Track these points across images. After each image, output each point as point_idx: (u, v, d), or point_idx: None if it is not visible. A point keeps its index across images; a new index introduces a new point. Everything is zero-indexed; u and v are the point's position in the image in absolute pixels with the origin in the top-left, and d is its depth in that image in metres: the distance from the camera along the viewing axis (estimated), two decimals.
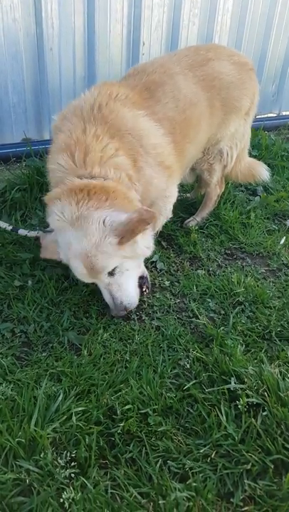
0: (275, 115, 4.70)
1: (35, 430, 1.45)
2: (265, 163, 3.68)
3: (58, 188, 1.91)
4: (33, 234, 2.33)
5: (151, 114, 2.16)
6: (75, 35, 3.29)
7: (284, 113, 4.75)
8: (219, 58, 2.53)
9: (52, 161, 2.02)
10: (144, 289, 2.17)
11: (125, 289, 2.01)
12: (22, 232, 2.38)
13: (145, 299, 2.30)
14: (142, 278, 2.15)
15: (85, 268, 1.88)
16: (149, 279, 2.22)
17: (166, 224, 2.79)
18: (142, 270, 2.16)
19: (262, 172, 3.02)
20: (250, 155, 3.67)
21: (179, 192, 3.26)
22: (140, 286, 2.15)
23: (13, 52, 3.12)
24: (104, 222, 1.82)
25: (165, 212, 2.45)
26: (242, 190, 3.43)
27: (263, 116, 4.62)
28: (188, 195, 3.27)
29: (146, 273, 2.20)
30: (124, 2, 3.36)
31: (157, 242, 2.75)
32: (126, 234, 1.81)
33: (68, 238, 1.87)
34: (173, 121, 2.26)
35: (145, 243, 2.04)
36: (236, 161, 2.85)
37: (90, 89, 2.17)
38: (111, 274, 1.95)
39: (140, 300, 2.29)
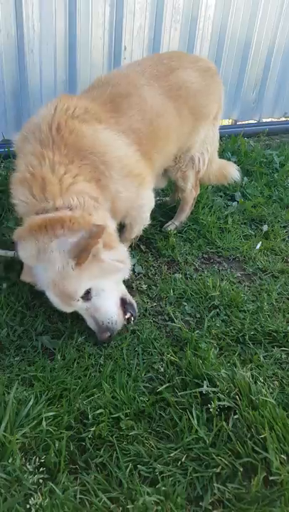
0: (255, 122, 4.78)
1: (4, 435, 1.44)
2: (244, 169, 3.77)
3: (20, 228, 1.94)
4: (10, 254, 2.29)
5: (113, 125, 2.13)
6: (56, 37, 3.28)
7: (264, 120, 4.83)
8: (183, 66, 2.55)
9: (14, 195, 2.00)
10: (127, 316, 2.08)
11: (104, 309, 1.96)
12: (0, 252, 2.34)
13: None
14: (125, 303, 2.08)
15: (57, 297, 1.88)
16: (135, 307, 2.14)
17: (145, 228, 2.81)
18: (122, 290, 2.11)
19: (233, 172, 3.08)
20: (229, 161, 3.74)
21: (158, 196, 3.31)
22: (124, 312, 2.07)
23: None
24: (62, 248, 1.82)
25: (141, 221, 2.46)
26: (220, 196, 3.47)
27: (243, 122, 4.69)
28: (166, 199, 3.30)
29: (129, 298, 2.13)
30: (106, 6, 3.38)
31: (136, 246, 2.77)
32: (80, 253, 1.79)
33: (37, 271, 1.91)
34: (139, 133, 2.25)
35: (116, 257, 2.00)
36: (208, 164, 2.89)
37: (46, 105, 2.12)
38: (86, 298, 1.93)
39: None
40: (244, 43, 4.26)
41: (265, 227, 3.14)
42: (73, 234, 1.84)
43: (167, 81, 2.45)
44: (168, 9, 3.68)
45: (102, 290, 1.96)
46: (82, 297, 1.90)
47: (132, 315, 2.09)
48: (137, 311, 2.15)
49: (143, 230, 2.64)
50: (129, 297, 2.12)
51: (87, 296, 1.92)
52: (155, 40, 3.75)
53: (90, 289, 1.92)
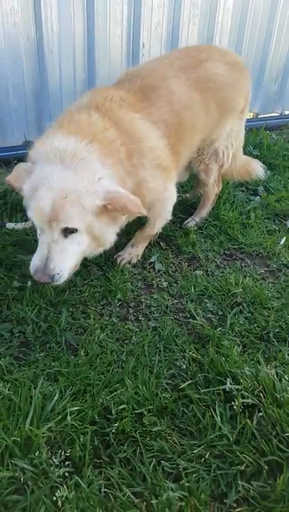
0: (277, 114, 4.69)
1: (31, 429, 1.48)
2: (267, 162, 3.71)
3: (57, 128, 1.87)
4: (20, 226, 2.31)
5: (147, 116, 2.16)
6: (75, 38, 3.31)
7: (286, 112, 4.73)
8: (212, 59, 2.53)
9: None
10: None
11: (65, 257, 1.80)
12: (9, 225, 2.36)
13: (143, 300, 2.31)
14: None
15: (51, 207, 1.69)
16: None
17: (164, 225, 2.81)
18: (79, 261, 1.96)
19: (257, 169, 3.03)
20: (252, 155, 3.69)
21: (179, 192, 3.29)
22: None
23: (13, 56, 3.15)
24: (99, 178, 1.75)
25: (164, 215, 2.46)
26: (242, 190, 3.43)
27: (265, 115, 4.61)
28: (187, 195, 3.28)
29: (76, 268, 1.97)
30: (124, 4, 3.38)
31: (156, 243, 2.77)
32: (115, 205, 1.73)
33: (50, 170, 1.73)
34: (168, 125, 2.26)
35: (111, 233, 1.96)
36: (232, 159, 2.86)
37: (85, 94, 2.18)
38: (64, 234, 1.77)
39: (138, 301, 2.31)
40: (265, 35, 4.18)
41: None
42: (115, 175, 1.80)
43: (195, 73, 2.44)
44: (186, 4, 3.65)
45: (78, 243, 1.83)
46: (65, 228, 1.76)
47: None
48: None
49: (163, 227, 2.64)
50: (77, 268, 1.99)
51: (67, 232, 1.78)
52: (173, 36, 3.73)
53: (76, 229, 1.78)
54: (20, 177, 1.83)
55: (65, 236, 1.78)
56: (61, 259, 1.79)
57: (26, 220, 2.63)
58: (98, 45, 3.42)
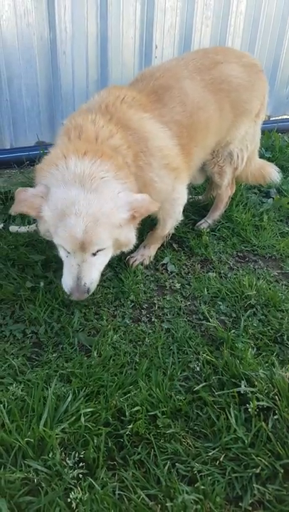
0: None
1: (44, 430, 1.47)
2: (279, 165, 3.66)
3: (59, 150, 1.84)
4: (23, 229, 2.31)
5: (157, 117, 2.16)
6: (88, 38, 3.32)
7: None
8: (228, 61, 2.52)
9: (53, 145, 2.04)
10: None
11: (94, 271, 1.85)
12: (12, 228, 2.37)
13: (155, 301, 2.30)
14: None
15: (84, 234, 1.70)
16: None
17: (177, 226, 2.78)
18: None
19: (272, 173, 3.00)
20: (264, 157, 3.66)
21: (191, 194, 3.28)
22: None
23: (27, 56, 3.16)
24: (118, 193, 1.79)
25: (174, 215, 2.45)
26: (255, 193, 3.41)
27: (276, 118, 4.59)
28: (200, 197, 3.27)
29: None
30: (137, 5, 3.38)
31: (168, 245, 2.75)
32: (140, 211, 1.79)
33: (75, 195, 1.72)
34: (180, 125, 2.26)
35: (133, 233, 1.99)
36: (247, 162, 2.84)
37: (98, 92, 2.19)
38: (94, 253, 1.82)
39: (151, 302, 2.30)
40: (277, 38, 4.16)
41: None
42: (126, 182, 1.83)
43: (210, 74, 2.43)
44: (199, 6, 3.64)
45: (106, 255, 1.89)
46: (97, 250, 1.81)
47: None
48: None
49: (175, 229, 2.63)
50: None
51: (96, 252, 1.82)
52: (186, 38, 3.72)
53: (105, 248, 1.84)
54: (36, 203, 1.80)
55: (94, 254, 1.83)
56: (91, 274, 1.85)
57: (30, 222, 2.63)
58: (111, 46, 3.43)
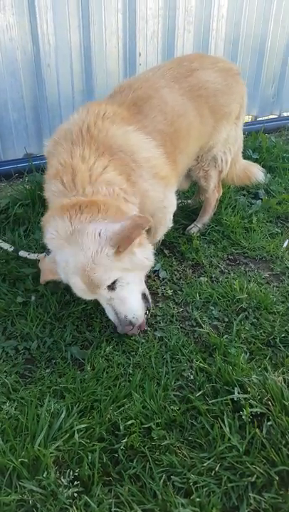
0: (275, 116, 4.69)
1: (39, 449, 1.47)
2: (266, 165, 3.70)
3: (51, 210, 1.93)
4: (33, 256, 2.34)
5: (141, 128, 2.16)
6: (72, 49, 3.34)
7: (284, 114, 4.73)
8: (203, 67, 2.54)
9: (46, 189, 2.04)
10: (146, 311, 2.10)
11: (129, 302, 1.95)
12: (22, 253, 2.40)
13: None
14: (144, 297, 2.08)
15: (84, 283, 1.83)
16: (150, 300, 2.14)
17: (167, 232, 2.80)
18: (144, 286, 2.11)
19: (257, 173, 3.03)
20: (251, 158, 3.68)
21: (180, 199, 3.29)
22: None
23: (11, 70, 3.18)
24: (99, 233, 1.80)
25: (165, 223, 2.46)
26: (243, 194, 3.42)
27: (263, 118, 4.61)
28: (189, 201, 3.28)
29: (147, 293, 2.13)
30: (119, 15, 3.40)
31: (159, 251, 2.76)
32: (122, 242, 1.79)
33: (65, 255, 1.85)
34: (163, 134, 2.27)
35: (144, 254, 2.01)
36: (231, 165, 2.86)
37: (77, 110, 2.18)
38: (111, 288, 1.90)
39: None
40: (260, 39, 4.19)
41: None
42: (111, 221, 1.84)
43: (187, 82, 2.45)
44: (180, 12, 3.67)
45: (128, 283, 1.95)
46: (108, 286, 1.88)
47: (147, 308, 2.12)
48: (150, 302, 2.15)
49: (165, 234, 2.63)
50: (147, 292, 2.13)
51: (112, 285, 1.89)
52: (169, 44, 3.75)
53: (116, 279, 1.90)
54: (52, 269, 1.97)
55: (114, 289, 1.91)
56: (128, 306, 1.96)
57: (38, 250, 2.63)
58: (95, 56, 3.45)
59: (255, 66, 4.31)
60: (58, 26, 3.18)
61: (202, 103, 2.48)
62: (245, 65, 4.25)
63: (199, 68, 2.52)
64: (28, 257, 2.39)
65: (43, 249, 2.18)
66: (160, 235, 2.55)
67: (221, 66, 2.62)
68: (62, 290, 2.30)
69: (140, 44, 3.61)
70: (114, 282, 1.90)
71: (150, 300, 2.14)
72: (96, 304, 2.15)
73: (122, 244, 1.80)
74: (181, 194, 3.35)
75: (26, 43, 3.15)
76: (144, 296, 2.07)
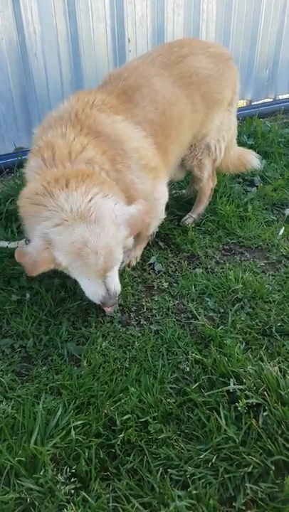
0: (271, 100, 4.61)
1: (36, 448, 1.48)
2: (262, 151, 3.66)
3: (36, 183, 1.81)
4: (13, 245, 2.30)
5: (130, 118, 2.14)
6: (59, 38, 3.26)
7: (280, 97, 4.66)
8: (194, 53, 2.49)
9: (26, 165, 2.03)
10: None
11: (116, 278, 1.92)
12: (2, 244, 2.37)
13: (144, 303, 2.31)
14: None
15: (104, 265, 1.76)
16: None
17: (162, 223, 2.78)
18: None
19: (252, 160, 3.00)
20: (246, 144, 3.64)
21: (175, 189, 3.26)
22: None
23: None
24: (116, 215, 1.81)
25: (157, 215, 2.44)
26: (238, 182, 3.39)
27: (258, 102, 4.54)
28: (183, 191, 3.25)
29: None
30: (106, 0, 3.31)
31: (154, 243, 2.75)
32: (135, 226, 1.85)
33: (80, 234, 1.72)
34: (154, 124, 2.24)
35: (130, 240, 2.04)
36: (225, 152, 2.82)
37: (68, 99, 2.16)
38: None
39: (139, 304, 2.31)
40: (252, 20, 4.09)
41: (287, 211, 3.06)
42: (116, 197, 1.86)
43: (177, 69, 2.41)
44: None
45: (118, 263, 1.96)
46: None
47: None
48: None
49: (160, 226, 2.62)
50: None
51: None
52: (159, 29, 3.66)
53: None
54: (48, 258, 1.76)
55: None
56: (116, 280, 1.92)
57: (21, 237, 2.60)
58: (83, 43, 3.37)
59: (249, 49, 4.21)
60: (43, 14, 3.10)
61: (193, 90, 2.44)
62: (238, 48, 4.16)
63: (189, 54, 2.47)
64: (9, 246, 2.35)
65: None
66: (153, 228, 2.53)
67: (212, 51, 2.56)
68: (57, 287, 2.30)
69: (129, 30, 3.52)
70: None
71: None
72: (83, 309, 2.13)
73: (135, 228, 1.87)
74: (175, 184, 3.32)
75: (11, 33, 3.07)
76: None
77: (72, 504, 1.34)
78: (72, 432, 1.55)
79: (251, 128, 3.94)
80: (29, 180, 1.94)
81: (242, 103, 4.56)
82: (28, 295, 2.23)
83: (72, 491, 1.40)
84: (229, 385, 1.78)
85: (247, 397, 1.73)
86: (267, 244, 2.75)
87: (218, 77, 2.53)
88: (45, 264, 1.76)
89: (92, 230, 1.73)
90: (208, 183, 2.90)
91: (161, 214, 2.47)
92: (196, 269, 2.55)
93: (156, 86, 2.30)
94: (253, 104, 4.51)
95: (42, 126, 2.11)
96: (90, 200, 1.76)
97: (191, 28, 3.81)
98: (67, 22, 3.23)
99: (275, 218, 3.01)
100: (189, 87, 2.41)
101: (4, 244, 2.37)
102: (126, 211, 1.84)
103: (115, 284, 1.91)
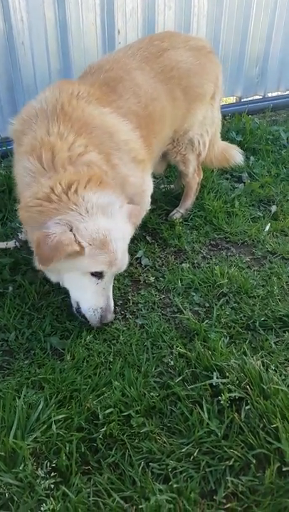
0: (260, 97, 4.62)
1: (15, 442, 1.46)
2: (250, 148, 3.67)
3: (38, 189, 1.80)
4: (11, 245, 2.28)
5: (116, 110, 2.11)
6: (47, 26, 3.21)
7: (269, 94, 4.67)
8: (174, 46, 2.47)
9: (18, 164, 1.97)
10: None
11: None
12: (0, 245, 2.34)
13: (130, 297, 2.29)
14: None
15: (123, 254, 1.90)
16: None
17: (150, 218, 2.78)
18: None
19: (235, 156, 3.01)
20: (235, 140, 3.64)
21: (163, 183, 3.25)
22: None
23: None
24: (125, 213, 1.91)
25: (144, 206, 2.43)
26: (226, 178, 3.39)
27: (247, 99, 4.54)
28: (171, 186, 3.24)
29: None
30: None
31: (142, 237, 2.74)
32: (136, 220, 1.97)
33: (104, 224, 1.79)
34: (138, 116, 2.22)
35: None
36: (209, 146, 2.82)
37: (48, 88, 2.10)
38: None
39: (125, 298, 2.30)
40: (243, 16, 4.08)
41: (273, 208, 3.07)
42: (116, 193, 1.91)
43: (158, 63, 2.39)
44: None
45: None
46: None
47: None
48: None
49: (148, 220, 2.60)
50: None
51: None
52: (149, 22, 3.63)
53: None
54: (72, 238, 1.72)
55: None
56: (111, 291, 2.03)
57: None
58: (72, 33, 3.32)
59: (239, 45, 4.20)
60: (31, 2, 3.04)
61: (174, 85, 2.42)
62: (229, 44, 4.15)
63: (170, 48, 2.45)
64: (6, 246, 2.33)
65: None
66: (140, 220, 2.52)
67: (193, 44, 2.54)
68: (41, 280, 2.27)
69: (119, 21, 3.48)
70: None
71: None
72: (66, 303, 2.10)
73: (134, 225, 1.98)
74: (164, 179, 3.31)
75: None
76: None
77: (51, 499, 1.33)
78: (54, 426, 1.54)
79: (240, 124, 3.94)
80: (28, 185, 1.89)
81: (231, 99, 4.56)
82: (10, 288, 2.20)
83: (52, 486, 1.38)
84: (212, 378, 1.79)
85: (230, 390, 1.73)
86: (253, 240, 2.77)
87: (199, 71, 2.51)
88: (71, 244, 1.70)
89: (113, 223, 1.83)
90: (194, 178, 2.90)
91: (147, 205, 2.46)
92: (183, 264, 2.55)
93: (138, 80, 2.28)
94: (242, 101, 4.51)
95: (21, 117, 2.04)
96: (105, 198, 1.83)
97: (182, 22, 3.79)
98: (56, 10, 3.18)
99: (261, 215, 3.02)
100: (170, 82, 2.40)
101: (3, 245, 2.32)
102: (129, 209, 1.93)
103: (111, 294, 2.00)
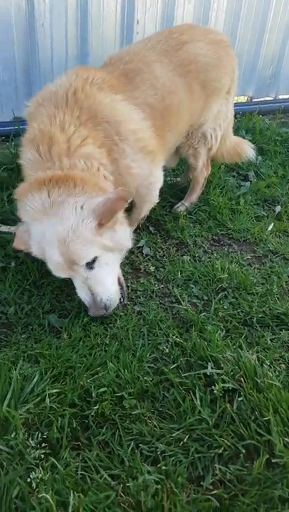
0: (271, 98, 4.63)
1: (8, 410, 1.46)
2: (258, 147, 3.68)
3: (25, 183, 1.87)
4: (4, 229, 2.29)
5: (130, 99, 2.11)
6: (68, 11, 3.20)
7: (280, 96, 4.67)
8: (194, 39, 2.47)
9: (22, 155, 1.98)
10: (120, 298, 2.04)
11: (106, 284, 1.90)
12: (3, 229, 2.34)
13: (129, 284, 2.30)
14: (119, 283, 2.04)
15: (62, 256, 1.78)
16: (125, 287, 2.09)
17: (154, 209, 2.77)
18: (119, 270, 2.07)
19: (247, 150, 3.01)
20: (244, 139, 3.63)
21: (169, 176, 3.25)
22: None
23: (3, 27, 3.05)
24: (81, 206, 1.78)
25: (151, 199, 2.43)
26: (233, 176, 3.40)
27: (259, 99, 4.55)
28: (178, 179, 3.24)
29: (122, 279, 2.09)
30: None
31: (145, 227, 2.74)
32: (105, 214, 1.77)
33: (42, 227, 1.79)
34: (153, 108, 2.22)
35: (124, 233, 2.00)
36: (221, 141, 2.82)
37: (66, 73, 2.10)
38: (90, 266, 1.85)
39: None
40: (261, 15, 4.09)
41: (278, 208, 3.07)
42: (90, 195, 1.82)
43: (177, 56, 2.39)
44: None
45: (106, 263, 1.91)
46: (86, 264, 1.83)
47: (122, 295, 2.06)
48: (125, 291, 2.10)
49: (152, 211, 2.60)
50: (122, 279, 2.09)
51: (91, 264, 1.85)
52: (169, 14, 3.63)
53: (96, 257, 1.85)
54: (24, 240, 1.88)
55: (92, 268, 1.86)
56: (103, 288, 1.89)
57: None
58: (91, 19, 3.32)
59: (255, 45, 4.20)
60: None
61: (192, 78, 2.42)
62: (245, 43, 4.16)
63: (189, 41, 2.45)
64: (9, 231, 2.32)
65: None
66: (145, 212, 2.52)
67: (212, 38, 2.54)
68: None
69: (139, 11, 3.48)
70: (93, 261, 1.85)
71: (125, 288, 2.09)
72: (67, 283, 2.08)
73: (104, 216, 1.78)
74: (170, 171, 3.31)
75: (20, 0, 3.00)
76: (119, 281, 2.03)
77: (40, 468, 1.34)
78: (47, 400, 1.54)
79: (250, 124, 3.95)
80: (25, 175, 1.95)
81: (243, 99, 4.57)
82: (13, 263, 2.20)
83: (42, 456, 1.39)
84: (207, 368, 1.79)
85: (224, 381, 1.74)
86: (255, 239, 2.77)
87: (217, 64, 2.51)
88: (21, 244, 1.88)
89: (50, 222, 1.78)
90: (202, 172, 2.90)
91: (155, 198, 2.46)
92: (184, 256, 2.55)
93: (156, 72, 2.28)
94: (253, 101, 4.51)
95: (36, 100, 2.06)
96: (56, 198, 1.79)
97: (201, 16, 3.79)
98: None
99: (265, 214, 3.02)
100: (188, 75, 2.40)
101: (5, 228, 2.33)
102: (93, 202, 1.79)
103: (104, 291, 1.89)
